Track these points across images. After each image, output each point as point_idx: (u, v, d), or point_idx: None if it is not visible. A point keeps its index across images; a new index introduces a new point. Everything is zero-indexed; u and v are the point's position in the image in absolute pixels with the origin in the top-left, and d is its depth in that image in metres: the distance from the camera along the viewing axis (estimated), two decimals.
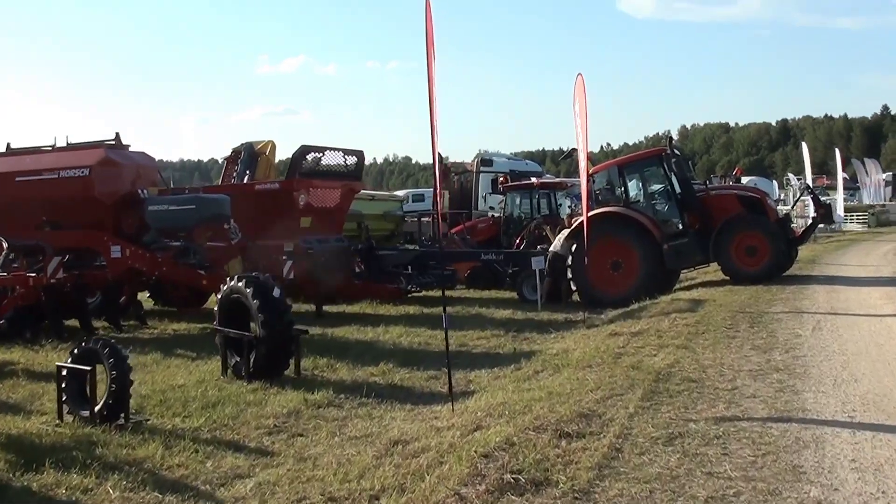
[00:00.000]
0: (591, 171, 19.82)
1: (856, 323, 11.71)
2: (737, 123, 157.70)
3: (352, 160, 18.66)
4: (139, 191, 16.10)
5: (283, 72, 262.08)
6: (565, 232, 18.48)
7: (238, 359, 11.10)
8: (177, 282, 16.53)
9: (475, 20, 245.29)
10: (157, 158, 18.56)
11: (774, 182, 59.35)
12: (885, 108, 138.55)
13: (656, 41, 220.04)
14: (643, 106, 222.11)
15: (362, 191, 22.30)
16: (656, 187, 18.51)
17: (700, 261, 18.11)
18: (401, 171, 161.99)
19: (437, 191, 9.35)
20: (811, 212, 28.82)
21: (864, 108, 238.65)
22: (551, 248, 18.66)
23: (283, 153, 26.16)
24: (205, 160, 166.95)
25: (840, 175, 44.21)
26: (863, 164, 62.09)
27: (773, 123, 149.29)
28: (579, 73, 15.77)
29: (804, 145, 42.76)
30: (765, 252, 17.13)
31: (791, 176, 57.83)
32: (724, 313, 12.86)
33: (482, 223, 26.51)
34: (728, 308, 13.46)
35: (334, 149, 18.38)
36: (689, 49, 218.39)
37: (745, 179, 46.96)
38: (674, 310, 13.75)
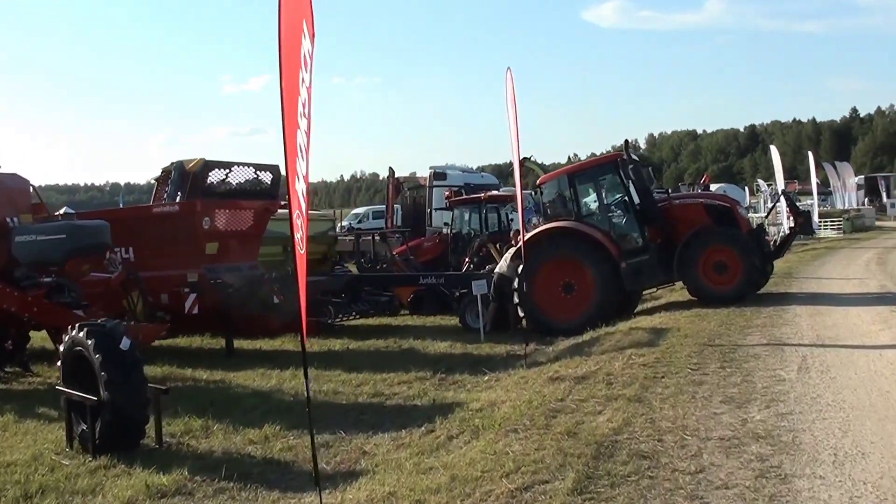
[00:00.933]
0: (539, 181, 17.69)
1: (850, 359, 9.47)
2: (704, 130, 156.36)
3: (266, 176, 16.33)
4: (7, 219, 13.71)
5: (249, 90, 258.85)
6: (512, 251, 16.31)
7: (85, 426, 8.84)
8: (50, 324, 14.12)
9: (441, 31, 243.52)
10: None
11: (745, 189, 57.80)
12: (854, 110, 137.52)
13: (621, 50, 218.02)
14: (610, 115, 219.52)
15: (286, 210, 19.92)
16: (612, 198, 16.31)
17: (663, 280, 15.95)
18: (368, 187, 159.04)
19: (295, 209, 6.97)
20: (785, 220, 26.87)
21: (832, 111, 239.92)
22: (496, 270, 16.51)
23: None
24: None
25: (814, 180, 42.32)
26: (834, 167, 60.40)
27: (742, 129, 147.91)
28: (508, 68, 13.36)
29: (774, 149, 40.72)
30: (736, 269, 14.93)
31: (761, 182, 56.17)
32: (689, 348, 10.65)
33: (428, 242, 24.20)
34: (695, 340, 11.25)
35: (244, 164, 16.11)
36: (654, 57, 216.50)
37: (713, 187, 45.31)
38: (630, 343, 11.53)
